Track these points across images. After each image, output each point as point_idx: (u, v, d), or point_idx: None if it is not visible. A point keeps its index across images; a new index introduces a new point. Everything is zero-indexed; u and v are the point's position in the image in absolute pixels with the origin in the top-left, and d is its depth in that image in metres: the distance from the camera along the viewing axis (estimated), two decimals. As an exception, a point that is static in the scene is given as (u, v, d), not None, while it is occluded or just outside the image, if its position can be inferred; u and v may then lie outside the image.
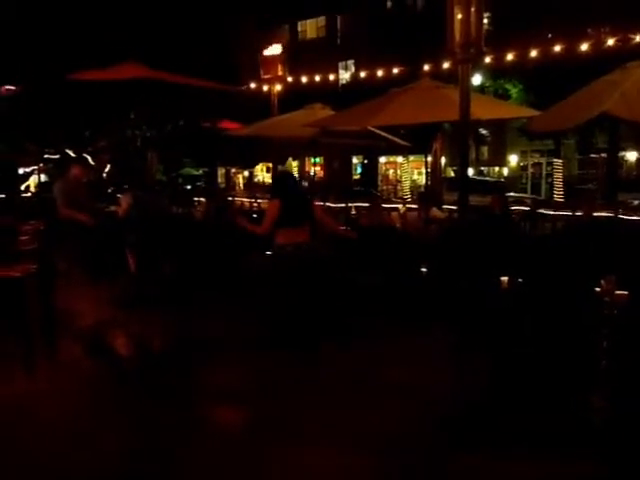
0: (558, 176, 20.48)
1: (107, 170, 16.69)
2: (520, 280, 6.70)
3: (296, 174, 25.10)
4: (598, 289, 4.31)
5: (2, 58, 22.10)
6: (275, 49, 14.28)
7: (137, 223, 6.97)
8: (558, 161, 21.39)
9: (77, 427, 4.32)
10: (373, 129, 11.04)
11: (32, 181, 20.62)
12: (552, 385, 4.74)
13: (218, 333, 6.30)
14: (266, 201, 12.44)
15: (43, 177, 18.07)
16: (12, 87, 15.79)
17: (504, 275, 6.82)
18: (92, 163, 13.86)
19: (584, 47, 11.81)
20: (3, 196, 12.71)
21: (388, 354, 5.82)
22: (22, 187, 17.92)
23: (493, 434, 4.15)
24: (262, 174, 35.59)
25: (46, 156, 18.70)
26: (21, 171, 20.32)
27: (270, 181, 28.61)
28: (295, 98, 14.05)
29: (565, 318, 5.34)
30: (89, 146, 16.80)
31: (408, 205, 11.07)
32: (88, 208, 7.32)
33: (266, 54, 14.51)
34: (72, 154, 16.93)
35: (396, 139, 12.91)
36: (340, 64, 32.44)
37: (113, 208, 9.44)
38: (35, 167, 19.49)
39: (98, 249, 7.03)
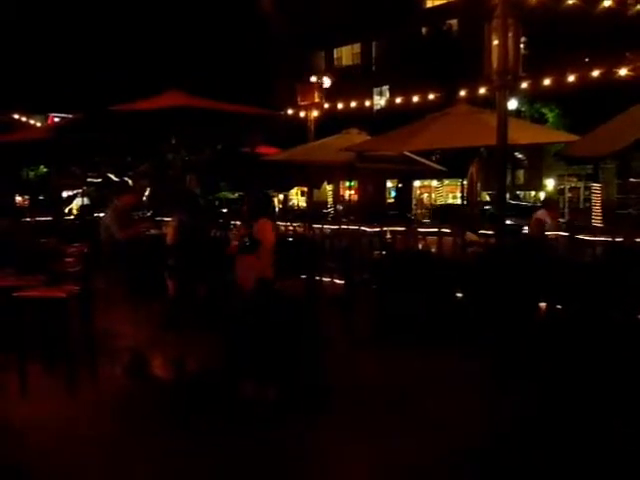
0: (597, 201, 20.14)
1: (147, 194, 17.11)
2: (559, 307, 6.61)
3: (331, 198, 25.23)
4: (640, 317, 4.23)
5: (51, 90, 23.17)
6: (312, 77, 14.60)
7: (180, 248, 7.08)
8: (597, 185, 21.04)
9: (114, 446, 4.40)
10: (409, 154, 11.07)
11: (75, 204, 21.28)
12: (592, 416, 4.63)
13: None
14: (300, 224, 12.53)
15: (86, 200, 18.58)
16: (59, 115, 16.40)
17: (542, 301, 6.74)
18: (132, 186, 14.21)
19: (622, 72, 11.68)
20: (49, 218, 13.14)
21: (421, 381, 5.77)
22: (66, 210, 18.53)
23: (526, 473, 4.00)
24: (297, 197, 36.03)
25: (89, 179, 19.26)
26: (65, 194, 21.02)
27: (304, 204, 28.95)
28: (331, 123, 14.22)
29: (605, 346, 5.23)
30: (130, 170, 17.24)
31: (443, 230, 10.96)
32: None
33: (303, 81, 14.81)
34: (114, 178, 17.40)
35: (432, 163, 12.90)
36: (375, 90, 32.71)
37: (153, 231, 9.65)
38: (79, 190, 20.07)
39: (138, 272, 7.18)
